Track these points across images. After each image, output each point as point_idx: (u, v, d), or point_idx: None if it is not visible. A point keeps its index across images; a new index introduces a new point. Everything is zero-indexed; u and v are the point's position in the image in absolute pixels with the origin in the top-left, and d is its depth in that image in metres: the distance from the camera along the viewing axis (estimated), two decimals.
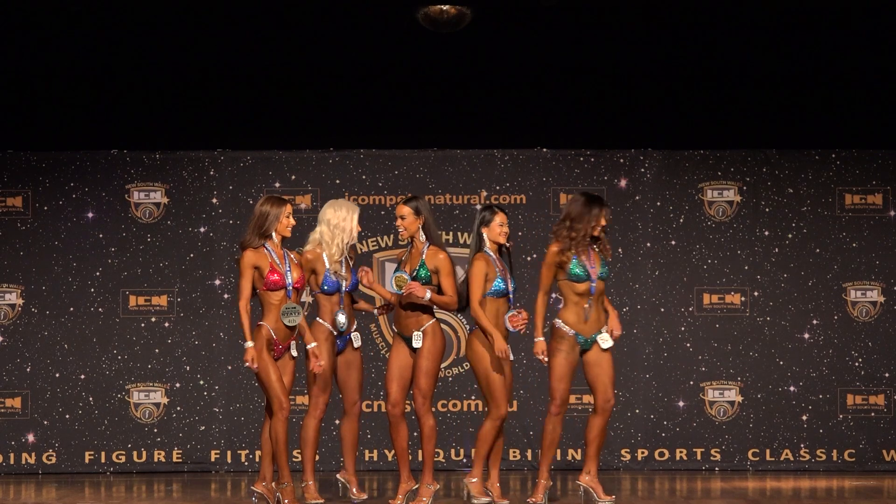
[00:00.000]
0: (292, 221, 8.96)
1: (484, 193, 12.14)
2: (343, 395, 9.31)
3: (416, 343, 8.96)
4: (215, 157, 12.16)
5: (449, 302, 9.00)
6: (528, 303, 12.08)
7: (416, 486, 9.10)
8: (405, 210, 8.97)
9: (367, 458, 11.96)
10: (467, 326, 11.93)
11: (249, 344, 8.75)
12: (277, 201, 8.92)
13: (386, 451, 11.93)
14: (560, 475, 11.61)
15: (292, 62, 12.13)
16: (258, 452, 11.87)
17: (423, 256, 8.95)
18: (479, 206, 12.13)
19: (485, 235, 8.99)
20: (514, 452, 12.01)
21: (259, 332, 8.80)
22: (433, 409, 9.17)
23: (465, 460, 11.98)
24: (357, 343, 9.19)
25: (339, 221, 9.10)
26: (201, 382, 12.01)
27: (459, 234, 12.10)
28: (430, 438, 8.99)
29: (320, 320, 9.09)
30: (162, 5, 11.64)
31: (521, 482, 11.06)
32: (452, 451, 11.99)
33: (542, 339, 8.92)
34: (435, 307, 9.06)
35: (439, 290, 8.97)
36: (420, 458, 9.23)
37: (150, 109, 12.15)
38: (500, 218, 9.00)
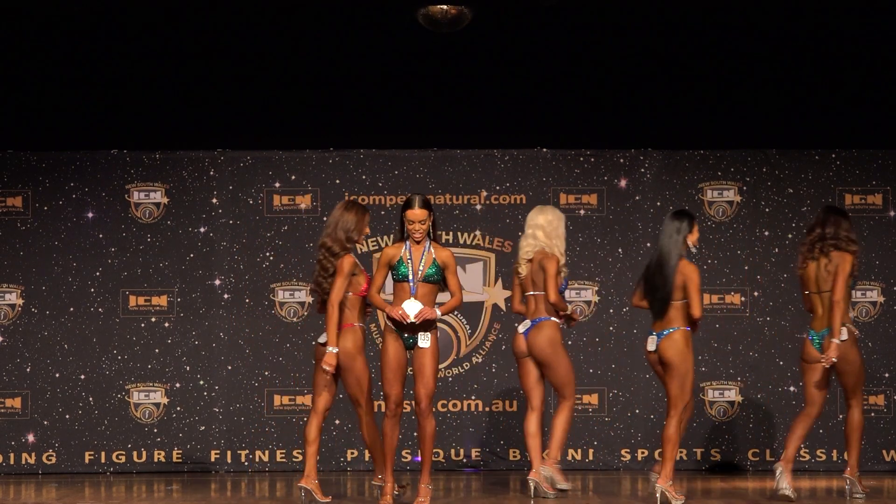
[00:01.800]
0: (367, 230, 9.37)
1: (484, 193, 12.14)
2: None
3: (424, 343, 8.83)
4: (215, 157, 12.16)
5: (457, 303, 8.94)
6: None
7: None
8: (425, 213, 8.88)
9: (367, 458, 11.95)
10: (468, 327, 11.93)
11: (334, 350, 9.03)
12: (363, 209, 9.28)
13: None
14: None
15: (292, 62, 12.13)
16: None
17: (433, 255, 8.87)
18: (478, 207, 12.12)
19: (689, 243, 9.26)
20: (515, 452, 12.01)
21: (358, 334, 9.11)
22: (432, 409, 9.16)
23: (465, 460, 11.98)
24: None
25: (553, 230, 9.80)
26: (201, 382, 12.01)
27: (459, 233, 12.10)
28: (433, 439, 8.96)
29: (556, 319, 9.76)
30: (162, 5, 11.64)
31: (520, 482, 11.05)
32: (452, 451, 11.98)
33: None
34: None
35: (444, 285, 8.90)
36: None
37: (150, 109, 12.14)
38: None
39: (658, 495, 9.13)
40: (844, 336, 9.37)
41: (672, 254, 9.15)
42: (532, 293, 9.86)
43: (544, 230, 9.77)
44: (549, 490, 9.71)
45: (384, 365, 8.93)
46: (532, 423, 9.81)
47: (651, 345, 9.25)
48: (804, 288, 9.56)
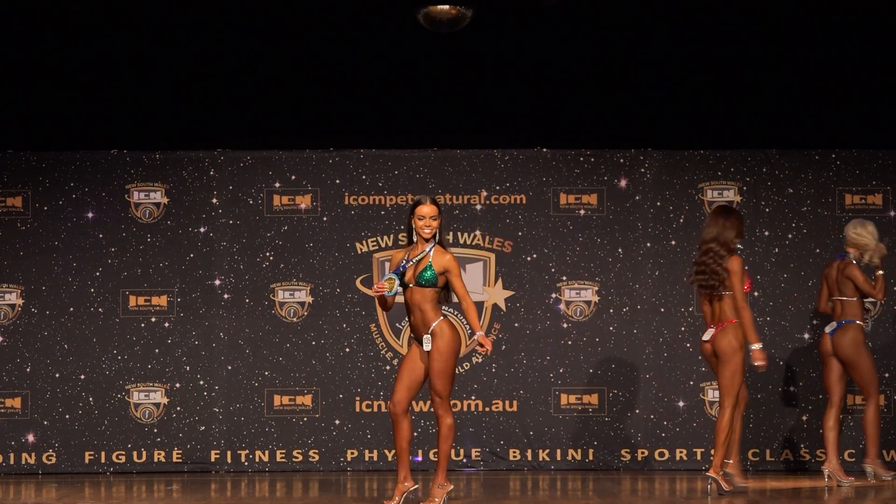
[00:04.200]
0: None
1: (484, 193, 12.14)
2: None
3: (427, 346, 8.82)
4: (215, 157, 12.16)
5: (467, 309, 8.88)
6: (530, 304, 12.08)
7: (414, 487, 9.02)
8: (435, 210, 8.86)
9: (367, 458, 11.96)
10: (467, 327, 11.92)
11: (759, 345, 9.79)
12: (740, 214, 10.10)
13: (386, 452, 11.93)
14: (560, 475, 11.61)
15: (292, 62, 12.14)
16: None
17: (430, 258, 8.86)
18: (478, 207, 12.13)
19: None
20: (515, 452, 12.01)
21: (737, 329, 9.81)
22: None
23: (465, 460, 11.98)
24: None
25: (867, 243, 10.75)
26: (201, 382, 12.02)
27: (459, 234, 12.09)
28: (447, 438, 8.86)
29: (860, 322, 10.73)
30: (162, 5, 11.65)
31: (520, 482, 11.05)
32: (452, 451, 11.96)
33: None
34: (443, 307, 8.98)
35: (446, 289, 8.89)
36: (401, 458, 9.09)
37: (150, 109, 12.15)
38: None
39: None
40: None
41: None
42: (839, 298, 10.74)
43: (856, 243, 10.71)
44: (885, 473, 10.76)
45: (398, 367, 9.03)
46: (830, 418, 10.68)
47: None
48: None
